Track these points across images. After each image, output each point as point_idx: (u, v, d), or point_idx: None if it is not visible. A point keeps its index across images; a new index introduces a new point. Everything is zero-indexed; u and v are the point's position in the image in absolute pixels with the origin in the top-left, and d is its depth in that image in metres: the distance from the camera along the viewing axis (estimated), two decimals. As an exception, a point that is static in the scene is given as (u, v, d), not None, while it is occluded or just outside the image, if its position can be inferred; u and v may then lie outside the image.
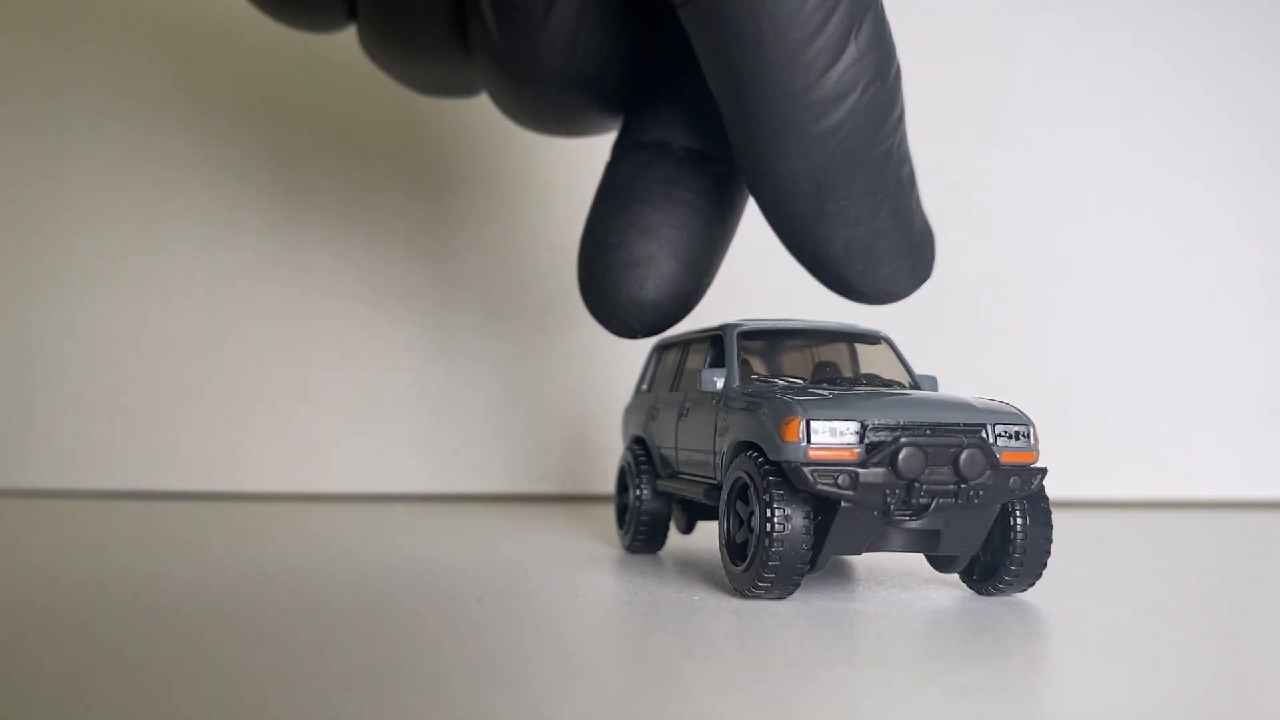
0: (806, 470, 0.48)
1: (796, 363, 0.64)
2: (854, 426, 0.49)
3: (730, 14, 0.50)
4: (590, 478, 1.07)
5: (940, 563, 0.56)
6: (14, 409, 1.10)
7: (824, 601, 0.51)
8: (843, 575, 0.60)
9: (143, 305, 1.10)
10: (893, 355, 0.64)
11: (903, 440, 0.48)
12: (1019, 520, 0.52)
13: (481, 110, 1.06)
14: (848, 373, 0.63)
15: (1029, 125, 1.10)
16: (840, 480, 0.48)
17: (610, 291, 0.61)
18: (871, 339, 0.65)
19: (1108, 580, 0.59)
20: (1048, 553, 0.53)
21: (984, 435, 0.50)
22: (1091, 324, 1.08)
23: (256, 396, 1.09)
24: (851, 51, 0.51)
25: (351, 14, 0.64)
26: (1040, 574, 0.53)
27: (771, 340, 0.64)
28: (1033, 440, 0.51)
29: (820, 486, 0.48)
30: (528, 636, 0.43)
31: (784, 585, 0.50)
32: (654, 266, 0.61)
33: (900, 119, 0.55)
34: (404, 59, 0.65)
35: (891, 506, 0.48)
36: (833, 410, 0.50)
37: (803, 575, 0.50)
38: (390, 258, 1.09)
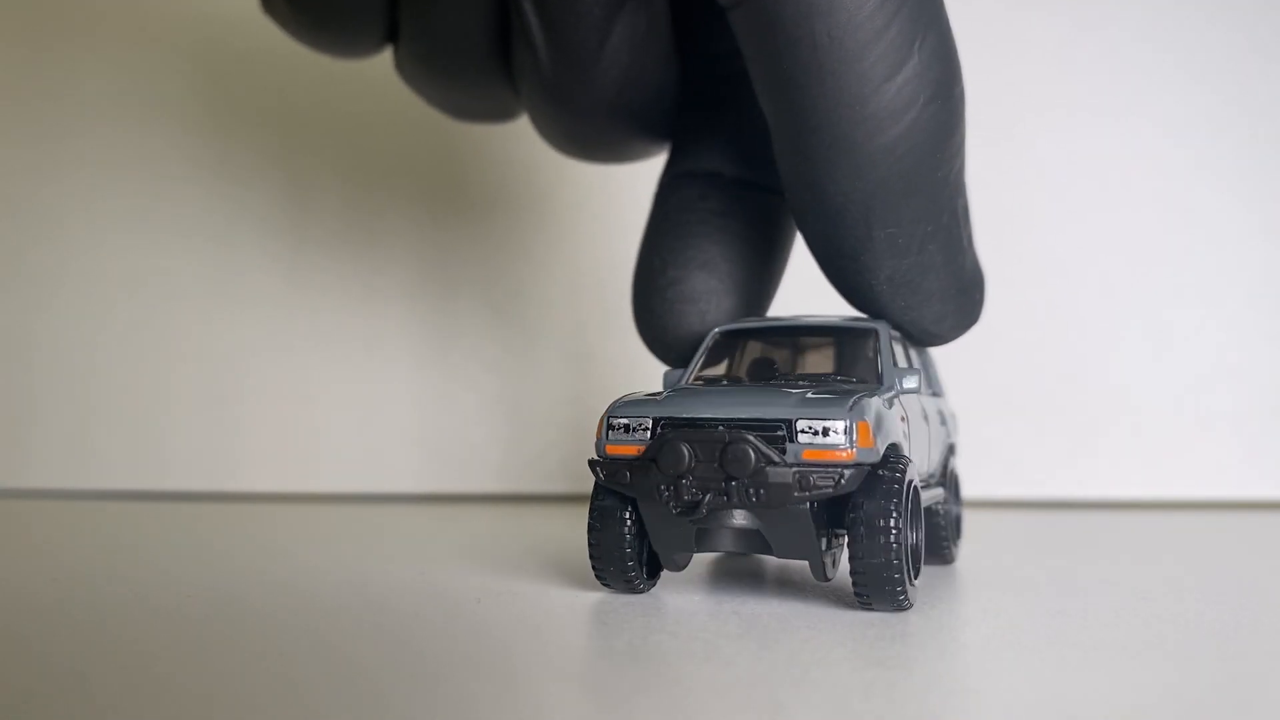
0: (598, 467, 0.50)
1: (766, 362, 0.60)
2: (647, 423, 0.49)
3: (784, 16, 0.46)
4: (590, 478, 1.06)
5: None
6: (14, 409, 1.10)
7: (823, 602, 0.51)
8: (842, 575, 0.60)
9: (143, 305, 1.10)
10: (873, 348, 0.56)
11: (666, 435, 0.47)
12: (863, 528, 0.46)
13: (481, 110, 1.06)
14: (816, 368, 0.57)
15: (1028, 125, 1.10)
16: (620, 476, 0.48)
17: (670, 326, 0.60)
18: (861, 333, 0.57)
19: (1107, 580, 0.59)
20: (891, 566, 0.46)
21: (784, 432, 0.46)
22: (1091, 324, 1.08)
23: (256, 396, 1.09)
24: (914, 63, 0.47)
25: (387, 38, 0.64)
26: (895, 594, 0.46)
27: (752, 339, 0.59)
28: (844, 437, 0.46)
29: (607, 482, 0.49)
30: (527, 636, 0.43)
31: (618, 581, 0.50)
32: (715, 301, 0.60)
33: (960, 145, 0.52)
34: (443, 83, 0.64)
35: (668, 501, 0.47)
36: (634, 407, 0.50)
37: (636, 572, 0.50)
38: (391, 258, 1.09)
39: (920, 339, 0.56)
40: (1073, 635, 0.45)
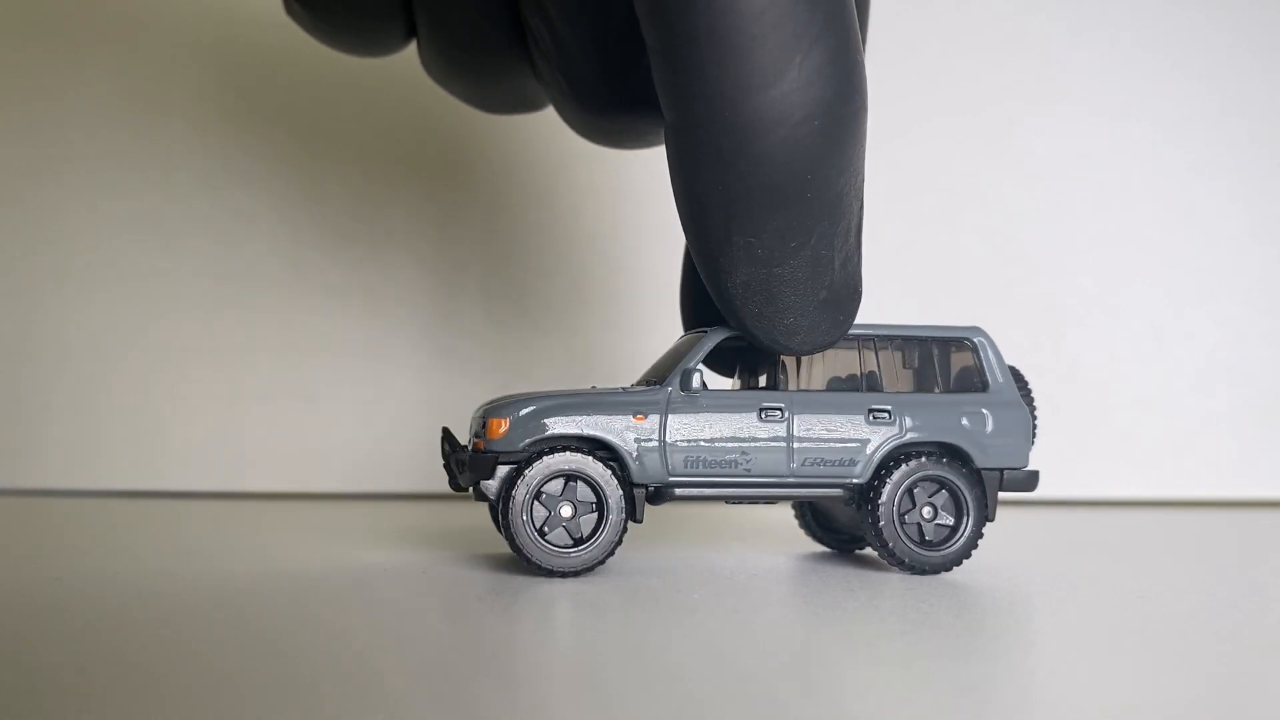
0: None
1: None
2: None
3: (670, 6, 0.45)
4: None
5: None
6: (14, 409, 1.11)
7: (823, 601, 0.51)
8: (843, 575, 0.60)
9: (143, 305, 1.10)
10: (681, 354, 0.61)
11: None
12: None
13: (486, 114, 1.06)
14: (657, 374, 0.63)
15: (1026, 125, 1.10)
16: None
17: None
18: (691, 341, 0.61)
19: (1105, 579, 0.59)
20: (508, 529, 0.57)
21: (483, 422, 0.60)
22: (1090, 324, 1.08)
23: (257, 396, 1.09)
24: (793, 77, 0.45)
25: (408, 36, 0.64)
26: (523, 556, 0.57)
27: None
28: (497, 426, 0.59)
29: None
30: (527, 636, 0.43)
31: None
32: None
33: (845, 168, 0.49)
34: (465, 79, 0.64)
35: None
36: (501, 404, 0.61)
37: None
38: (394, 260, 1.09)
39: (769, 347, 0.56)
40: (1070, 634, 0.45)
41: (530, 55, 0.61)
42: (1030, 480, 0.62)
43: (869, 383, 0.61)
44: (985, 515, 0.61)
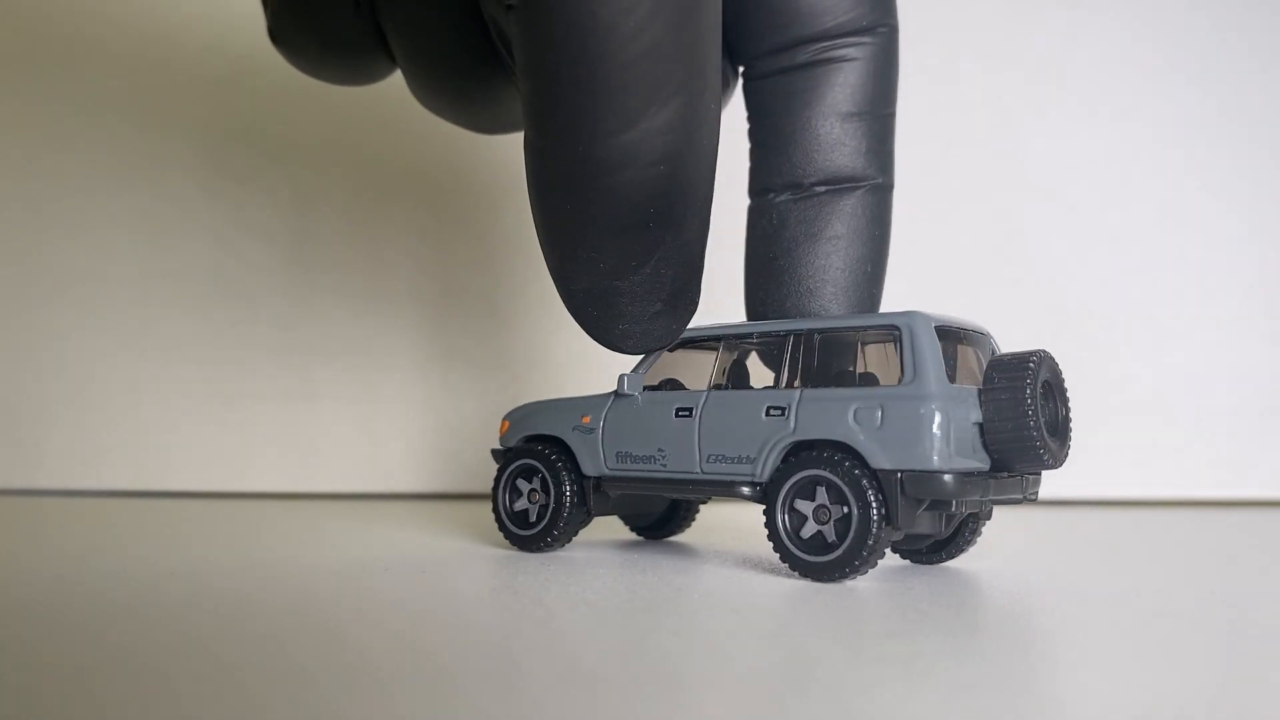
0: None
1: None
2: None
3: (538, 38, 0.47)
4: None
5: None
6: (14, 409, 1.11)
7: (823, 600, 0.51)
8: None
9: (143, 306, 1.11)
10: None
11: None
12: None
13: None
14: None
15: (1025, 127, 1.10)
16: None
17: None
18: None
19: (1104, 578, 0.59)
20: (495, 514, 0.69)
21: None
22: (1089, 324, 1.08)
23: (256, 396, 1.09)
24: (643, 127, 0.48)
25: (391, 64, 0.64)
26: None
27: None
28: (503, 427, 0.72)
29: None
30: (528, 636, 0.43)
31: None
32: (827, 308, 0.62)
33: (694, 204, 0.52)
34: (452, 104, 0.65)
35: None
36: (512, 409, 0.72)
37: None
38: (391, 260, 1.10)
39: (606, 346, 0.59)
40: (1070, 633, 0.45)
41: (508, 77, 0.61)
42: (933, 484, 0.52)
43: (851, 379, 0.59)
44: (881, 521, 0.54)
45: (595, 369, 1.07)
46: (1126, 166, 1.10)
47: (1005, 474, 0.56)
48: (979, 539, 0.64)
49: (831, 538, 0.55)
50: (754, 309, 0.64)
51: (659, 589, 0.53)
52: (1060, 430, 0.57)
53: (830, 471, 0.55)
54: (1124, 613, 0.49)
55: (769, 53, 0.62)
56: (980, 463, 0.55)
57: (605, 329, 0.57)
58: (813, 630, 0.44)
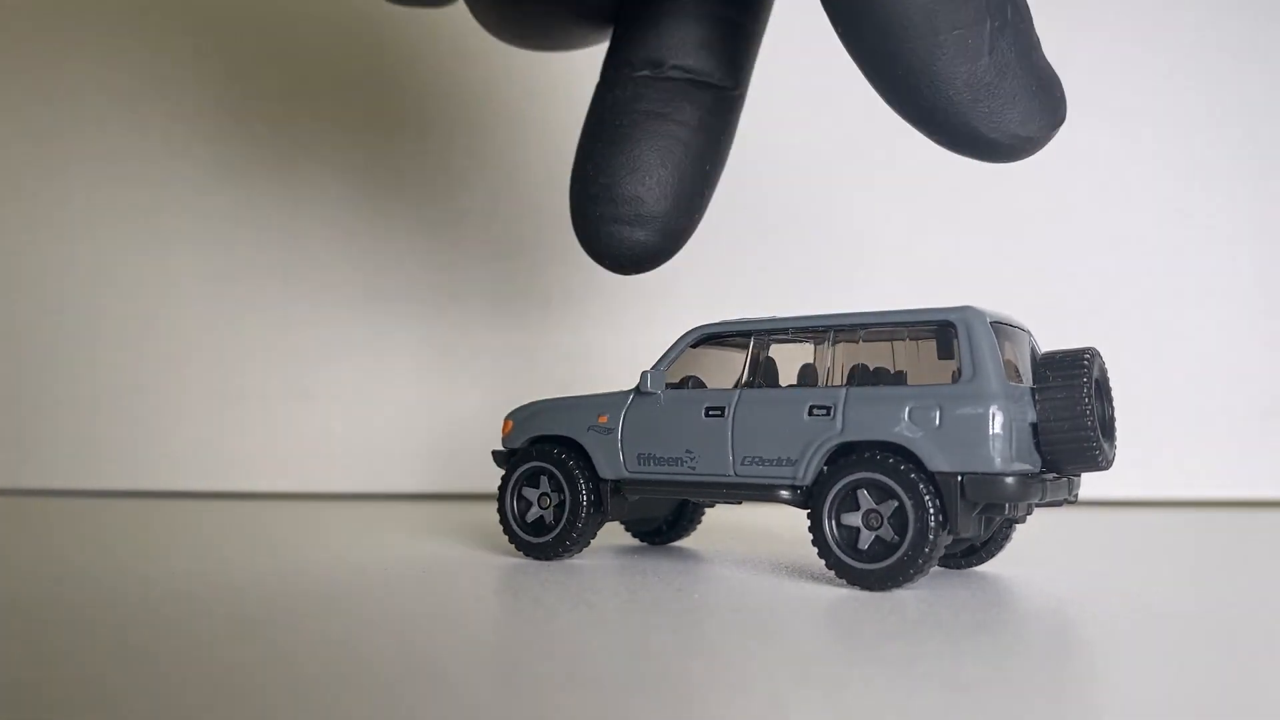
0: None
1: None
2: None
3: None
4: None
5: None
6: (14, 409, 1.11)
7: (823, 600, 0.51)
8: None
9: (143, 305, 1.10)
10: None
11: None
12: None
13: (485, 114, 1.07)
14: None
15: (1027, 125, 1.10)
16: None
17: (602, 233, 0.61)
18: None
19: (1104, 579, 0.59)
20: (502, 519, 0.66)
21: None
22: (1089, 324, 1.08)
23: (256, 396, 1.09)
24: None
25: None
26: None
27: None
28: (506, 426, 0.69)
29: None
30: (527, 636, 0.43)
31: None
32: (644, 207, 0.60)
33: None
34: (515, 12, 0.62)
35: None
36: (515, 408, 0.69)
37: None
38: (391, 258, 1.10)
39: (1010, 147, 0.52)
40: (1070, 634, 0.46)
41: None
42: (995, 487, 0.50)
43: (886, 377, 0.56)
44: (939, 527, 0.51)
45: (595, 367, 1.07)
46: (1127, 166, 1.10)
47: (1054, 476, 0.54)
48: (1008, 543, 0.62)
49: (891, 537, 0.52)
50: (583, 175, 0.62)
51: (659, 590, 0.53)
52: (1109, 430, 0.55)
53: (885, 474, 0.52)
54: (1124, 613, 0.49)
55: None
56: (1032, 465, 0.53)
57: (1003, 120, 0.51)
58: (813, 630, 0.44)
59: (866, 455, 0.54)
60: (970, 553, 0.62)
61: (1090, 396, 0.52)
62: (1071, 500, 0.57)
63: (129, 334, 1.10)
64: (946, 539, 0.52)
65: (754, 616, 0.47)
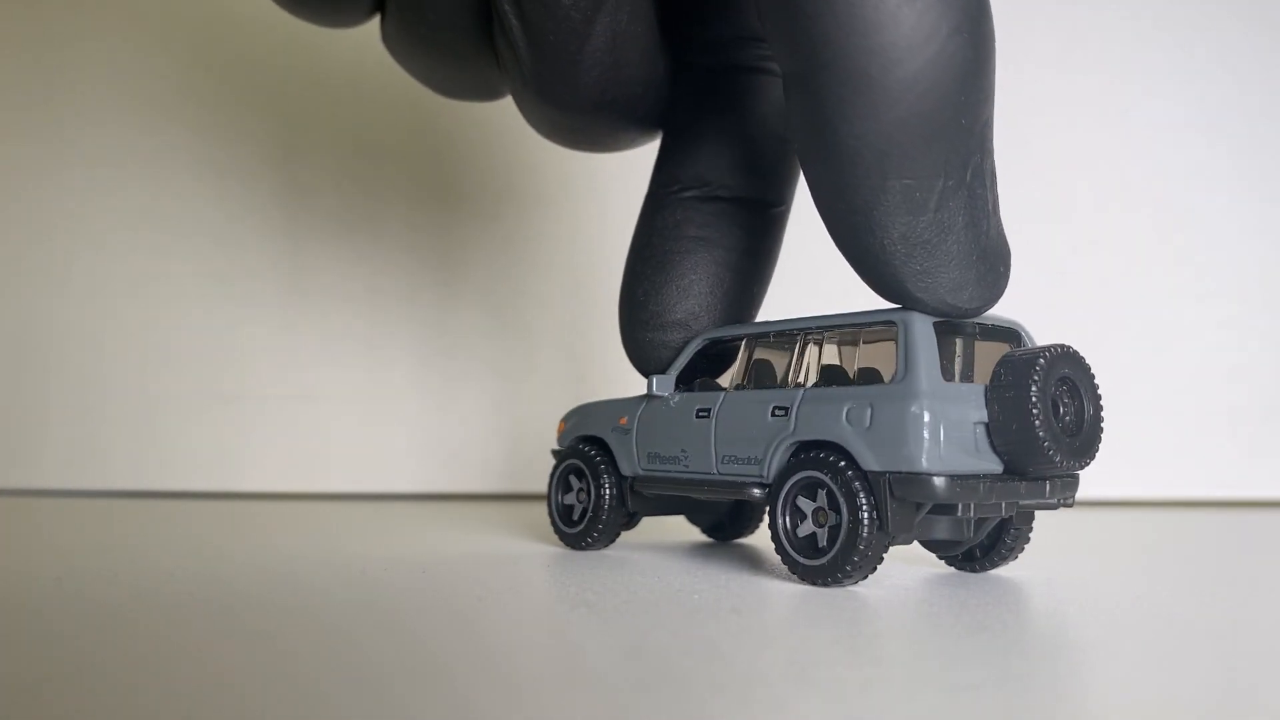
0: None
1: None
2: None
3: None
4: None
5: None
6: (14, 409, 1.11)
7: (823, 601, 0.51)
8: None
9: (144, 305, 1.11)
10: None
11: None
12: None
13: (485, 112, 1.07)
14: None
15: (1026, 126, 1.10)
16: None
17: (651, 354, 0.64)
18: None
19: (1105, 579, 0.59)
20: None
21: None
22: (1089, 324, 1.08)
23: (256, 396, 1.09)
24: None
25: (374, 8, 0.64)
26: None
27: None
28: (560, 427, 0.74)
29: None
30: (528, 636, 0.43)
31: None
32: (691, 329, 0.63)
33: (988, 93, 0.48)
34: (427, 59, 0.63)
35: None
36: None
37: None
38: (391, 259, 1.10)
39: (937, 309, 0.52)
40: (1070, 634, 0.45)
41: (495, 43, 0.61)
42: (921, 487, 0.50)
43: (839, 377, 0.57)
44: (872, 525, 0.52)
45: (595, 367, 1.08)
46: (1128, 166, 1.10)
47: (1021, 478, 0.53)
48: (1026, 546, 0.60)
49: (823, 542, 0.54)
50: (633, 297, 0.65)
51: (659, 590, 0.53)
52: (1087, 430, 0.53)
53: (823, 473, 0.53)
54: (1124, 614, 0.49)
55: (715, 40, 0.61)
56: (990, 465, 0.52)
57: (935, 282, 0.50)
58: (813, 630, 0.44)
59: (812, 454, 0.55)
60: (970, 557, 0.61)
61: (1043, 397, 0.51)
62: (1066, 504, 0.55)
63: (129, 334, 1.10)
64: (885, 539, 0.53)
65: (755, 618, 0.47)
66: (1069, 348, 0.53)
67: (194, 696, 0.34)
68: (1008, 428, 0.51)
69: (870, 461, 0.52)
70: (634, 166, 1.01)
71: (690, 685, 0.35)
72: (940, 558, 0.62)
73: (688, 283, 0.62)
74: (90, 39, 1.11)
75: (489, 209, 1.09)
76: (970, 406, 0.52)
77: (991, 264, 0.51)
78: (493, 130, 1.08)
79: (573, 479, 0.70)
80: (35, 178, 1.12)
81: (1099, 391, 0.54)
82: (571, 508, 0.70)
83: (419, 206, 1.10)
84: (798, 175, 0.64)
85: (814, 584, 0.54)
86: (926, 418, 0.50)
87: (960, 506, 0.52)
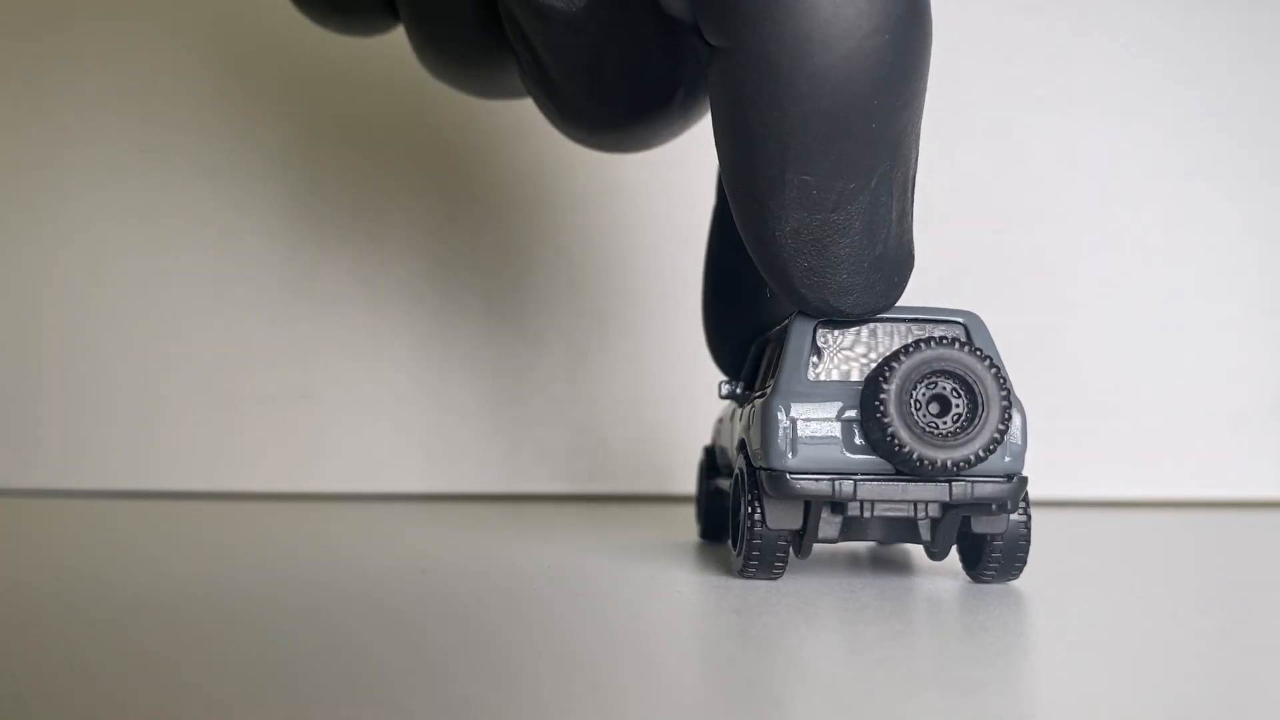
0: None
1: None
2: None
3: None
4: (591, 477, 1.07)
5: None
6: (14, 409, 1.10)
7: (823, 601, 0.51)
8: (843, 576, 0.60)
9: (143, 305, 1.10)
10: None
11: None
12: None
13: (488, 112, 1.06)
14: None
15: (1027, 125, 1.10)
16: None
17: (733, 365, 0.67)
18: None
19: (1106, 579, 0.59)
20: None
21: None
22: (1089, 323, 1.08)
23: (256, 396, 1.09)
24: None
25: (395, 19, 0.63)
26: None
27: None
28: None
29: None
30: (527, 636, 0.43)
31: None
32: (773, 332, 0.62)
33: (910, 100, 0.46)
34: (452, 68, 0.64)
35: None
36: None
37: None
38: (391, 258, 1.09)
39: (819, 309, 0.51)
40: (1071, 635, 0.45)
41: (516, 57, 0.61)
42: (781, 484, 0.51)
43: None
44: (761, 522, 0.54)
45: (595, 367, 1.07)
46: (1128, 165, 1.10)
47: (917, 477, 0.50)
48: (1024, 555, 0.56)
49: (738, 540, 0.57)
50: (714, 313, 0.67)
51: (658, 590, 0.53)
52: (981, 426, 0.49)
53: (739, 470, 0.57)
54: (1125, 614, 0.49)
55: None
56: (881, 463, 0.51)
57: (821, 283, 0.49)
58: (812, 631, 0.44)
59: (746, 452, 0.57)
60: (970, 566, 0.58)
61: (897, 394, 0.49)
62: (1007, 509, 0.52)
63: (128, 334, 1.10)
64: (780, 535, 0.53)
65: (755, 618, 0.47)
66: (955, 340, 0.51)
67: (192, 697, 0.34)
68: (866, 425, 0.51)
69: (757, 459, 0.54)
70: (637, 166, 1.01)
71: (690, 685, 0.35)
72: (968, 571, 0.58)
73: (768, 309, 0.62)
74: (89, 34, 1.11)
75: (490, 208, 1.09)
76: (847, 405, 0.51)
77: (886, 273, 0.50)
78: (494, 130, 1.08)
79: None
80: (34, 175, 1.12)
81: (1007, 385, 0.50)
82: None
83: (420, 207, 1.10)
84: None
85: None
86: (780, 416, 0.52)
87: (833, 505, 0.52)
